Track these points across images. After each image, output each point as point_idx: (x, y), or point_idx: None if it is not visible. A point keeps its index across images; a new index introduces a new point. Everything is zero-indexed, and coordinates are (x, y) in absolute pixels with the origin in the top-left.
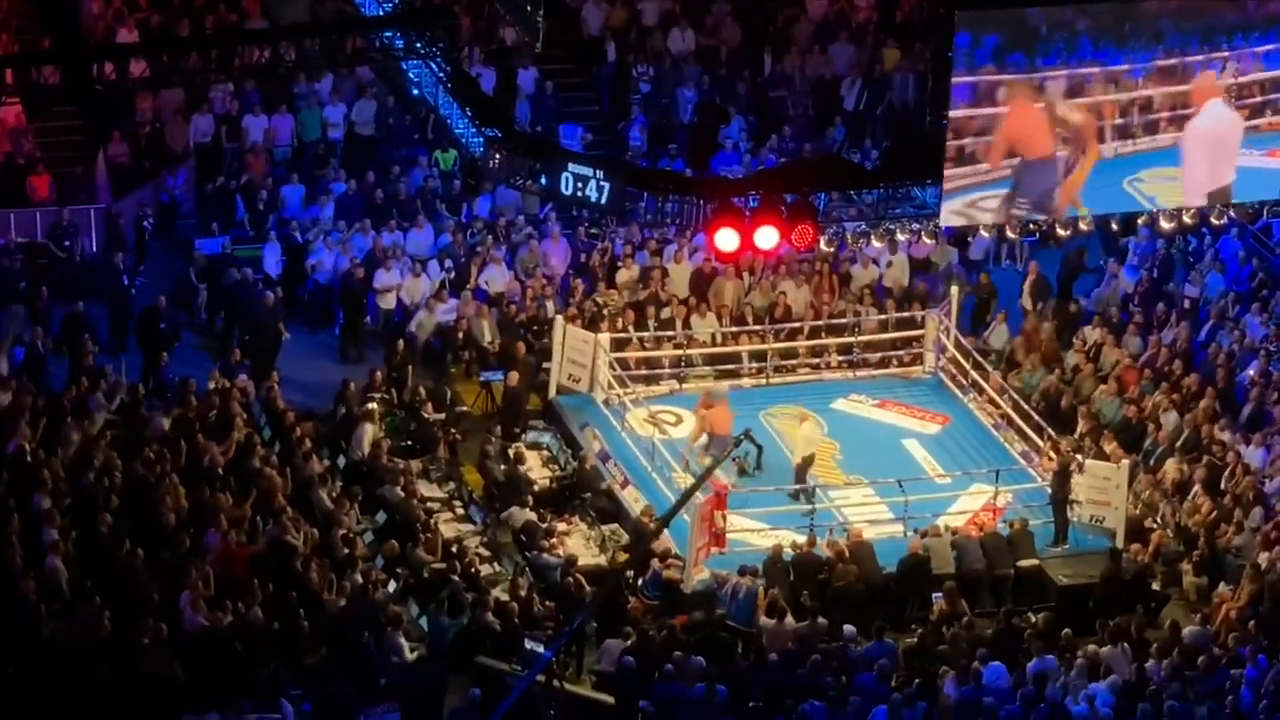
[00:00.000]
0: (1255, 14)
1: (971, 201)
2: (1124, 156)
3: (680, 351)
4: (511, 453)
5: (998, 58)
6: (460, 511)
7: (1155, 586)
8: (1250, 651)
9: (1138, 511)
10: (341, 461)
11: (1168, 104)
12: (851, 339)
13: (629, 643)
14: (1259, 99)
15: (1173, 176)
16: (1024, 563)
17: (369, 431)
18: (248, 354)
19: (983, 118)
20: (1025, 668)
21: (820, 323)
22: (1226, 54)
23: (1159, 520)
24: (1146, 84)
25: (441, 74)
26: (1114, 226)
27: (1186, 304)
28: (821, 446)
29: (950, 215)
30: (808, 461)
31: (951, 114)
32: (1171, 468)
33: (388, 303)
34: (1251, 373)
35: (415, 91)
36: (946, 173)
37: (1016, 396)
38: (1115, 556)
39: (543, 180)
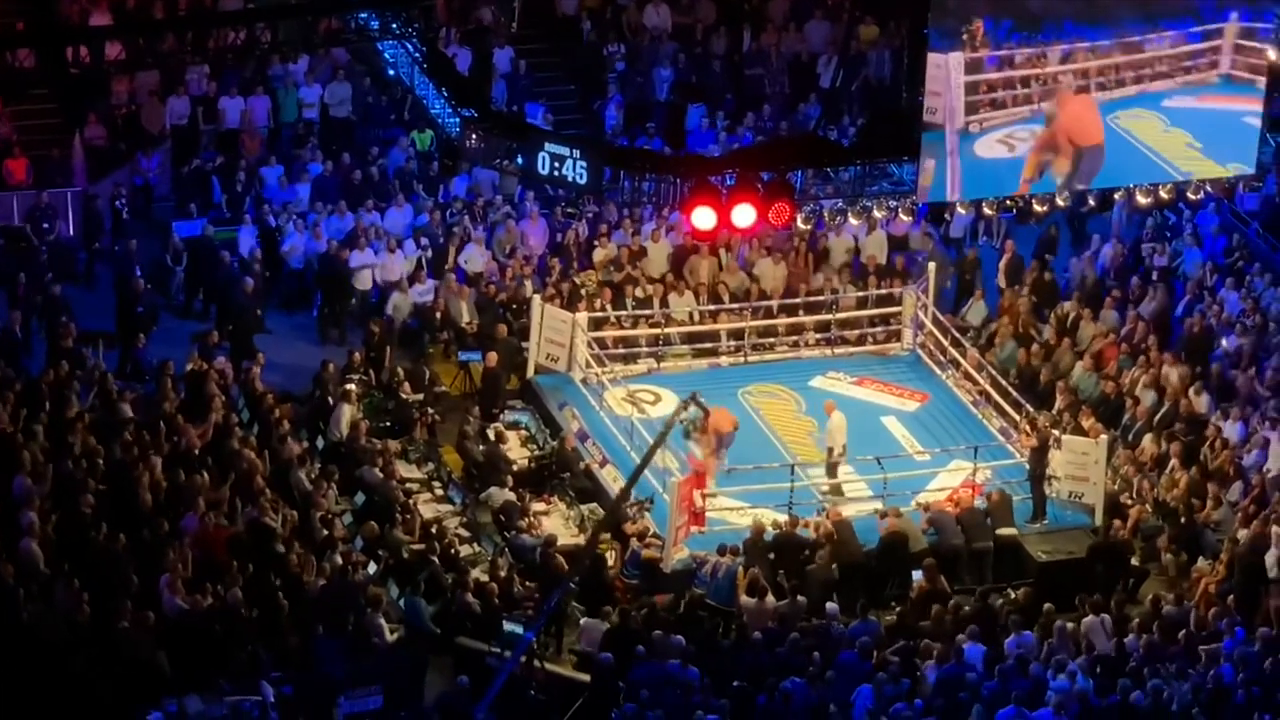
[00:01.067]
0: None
1: (1007, 135)
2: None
3: (658, 330)
4: (490, 433)
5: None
6: (439, 492)
7: (1135, 561)
8: (1227, 625)
9: (1116, 487)
10: (320, 443)
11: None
12: (829, 316)
13: (610, 623)
14: None
15: (1139, 115)
16: (1003, 531)
17: (346, 412)
18: (229, 337)
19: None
20: (1004, 644)
21: (798, 300)
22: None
23: (1136, 495)
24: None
25: (417, 54)
26: (1091, 203)
27: (1156, 275)
28: (833, 431)
29: (993, 145)
30: (839, 453)
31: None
32: (1149, 443)
33: (363, 283)
34: (1227, 345)
35: (391, 72)
36: (985, 115)
37: (994, 373)
38: (1108, 529)
39: (519, 160)
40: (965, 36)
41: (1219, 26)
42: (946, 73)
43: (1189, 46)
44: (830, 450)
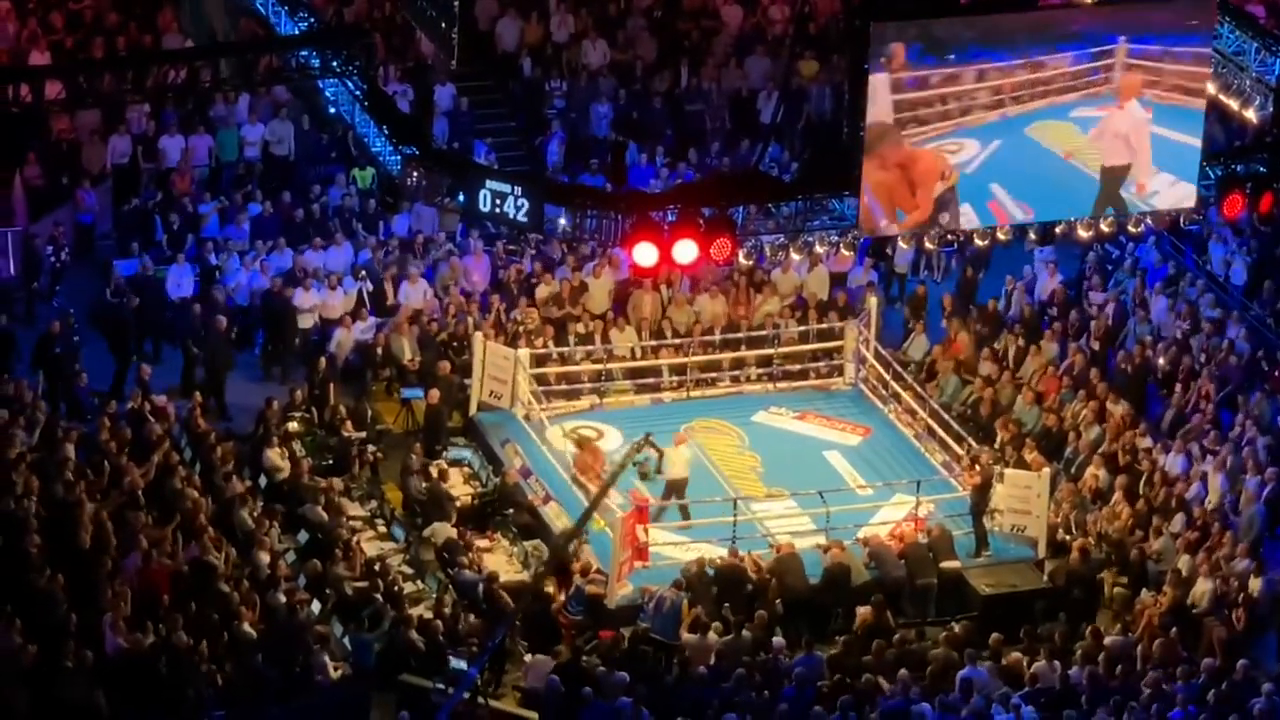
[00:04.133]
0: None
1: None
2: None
3: (600, 366)
4: (433, 470)
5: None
6: (382, 529)
7: (1077, 594)
8: (1182, 673)
9: (1059, 520)
10: (263, 481)
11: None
12: (771, 351)
13: (557, 660)
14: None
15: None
16: (946, 565)
17: (273, 455)
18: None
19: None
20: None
21: (740, 335)
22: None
23: (1076, 529)
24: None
25: (358, 92)
26: (1032, 236)
27: (1095, 310)
28: (675, 463)
29: None
30: (680, 484)
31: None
32: (1090, 475)
33: (306, 322)
34: (1161, 362)
35: (332, 110)
36: (911, 131)
37: (936, 406)
38: (1085, 556)
39: (461, 198)
40: (884, 60)
41: (1109, 48)
42: (874, 92)
43: (1086, 65)
44: (674, 480)
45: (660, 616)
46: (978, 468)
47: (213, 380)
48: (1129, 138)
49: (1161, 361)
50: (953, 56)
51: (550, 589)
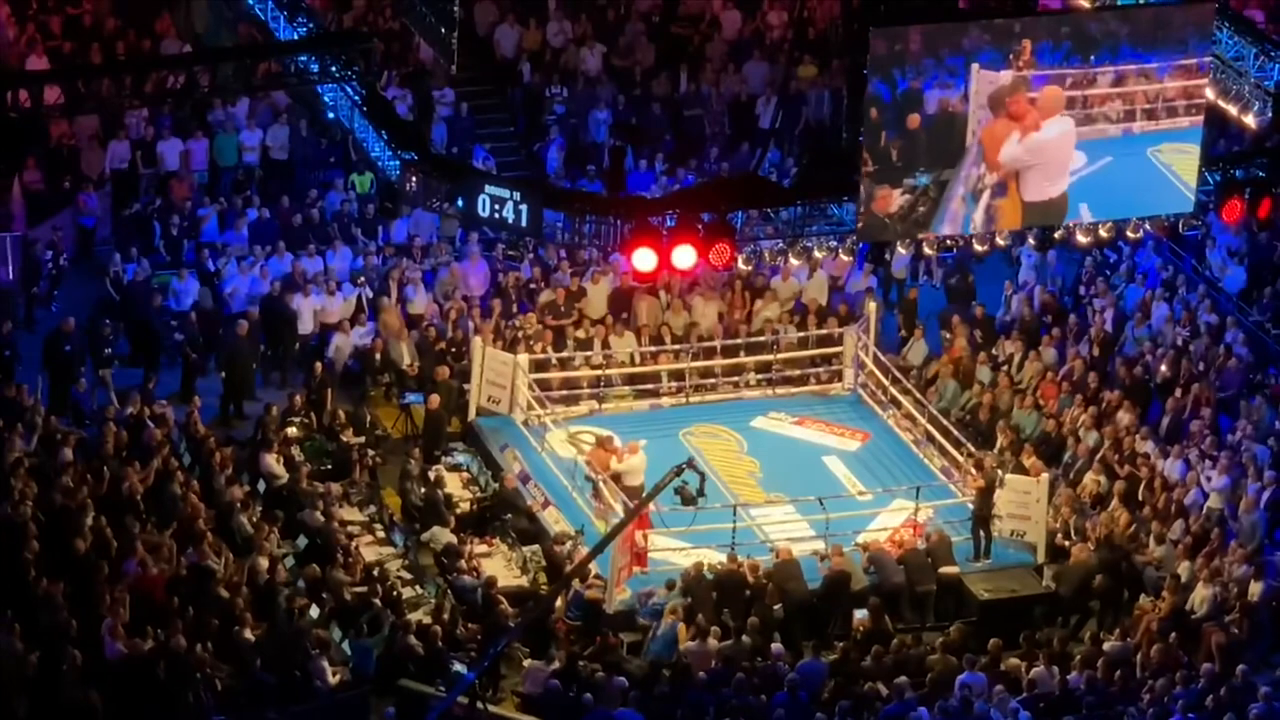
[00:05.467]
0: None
1: None
2: None
3: (599, 372)
4: (432, 475)
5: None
6: (381, 534)
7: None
8: (1181, 678)
9: (1058, 525)
10: (261, 486)
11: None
12: (770, 357)
13: (555, 666)
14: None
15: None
16: (945, 570)
17: (271, 461)
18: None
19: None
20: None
21: (739, 341)
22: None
23: (1075, 534)
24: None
25: (357, 97)
26: (1031, 241)
27: (1097, 317)
28: (633, 469)
29: None
30: (636, 491)
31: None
32: (1090, 481)
33: (304, 327)
34: (1163, 368)
35: (331, 115)
36: None
37: (935, 412)
38: (1112, 555)
39: (459, 203)
40: (1011, 56)
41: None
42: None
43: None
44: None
45: (656, 640)
46: (980, 471)
47: (236, 386)
48: None
49: (1163, 368)
50: (1094, 59)
51: (544, 590)
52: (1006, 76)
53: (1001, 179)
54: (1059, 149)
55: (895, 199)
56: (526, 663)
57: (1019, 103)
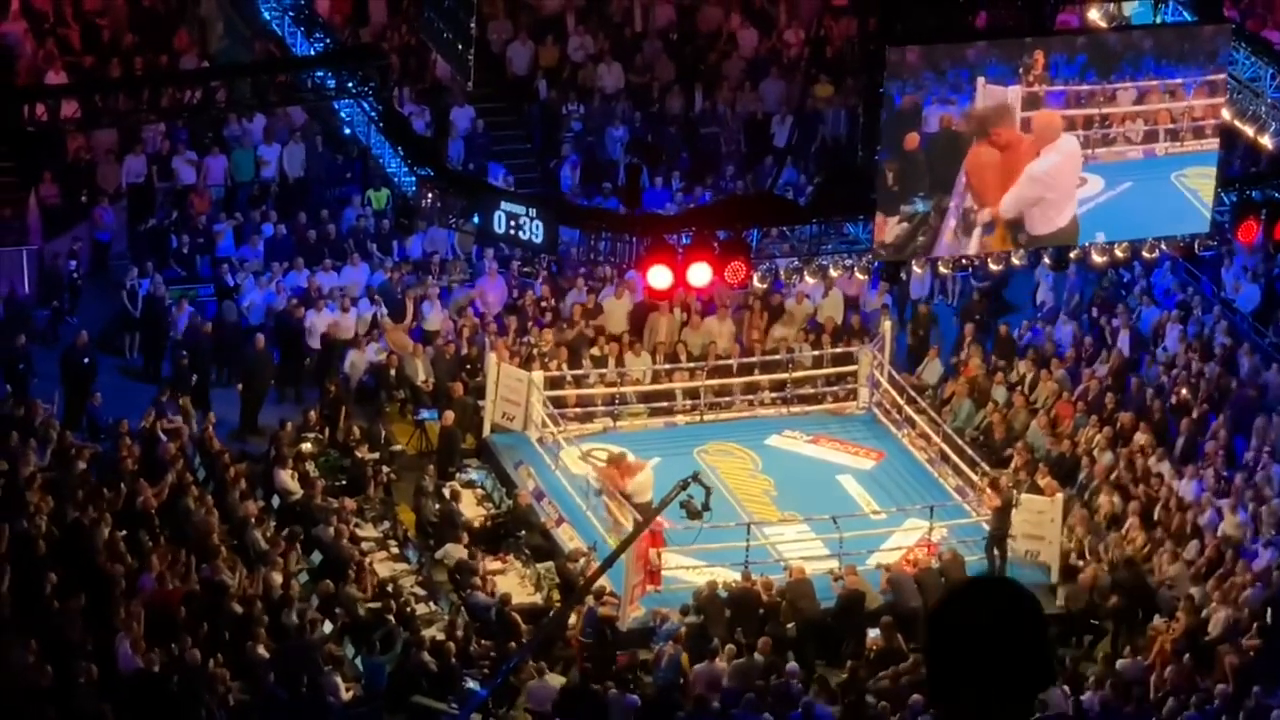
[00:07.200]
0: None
1: None
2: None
3: (614, 389)
4: (446, 491)
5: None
6: (395, 551)
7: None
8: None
9: (1073, 545)
10: (276, 502)
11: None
12: (785, 375)
13: (566, 683)
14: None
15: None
16: None
17: (285, 476)
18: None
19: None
20: None
21: (754, 360)
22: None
23: (1090, 554)
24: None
25: (373, 113)
26: (1046, 261)
27: (1113, 338)
28: (641, 486)
29: None
30: (645, 507)
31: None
32: (1105, 501)
33: (315, 342)
34: (1180, 390)
35: (347, 131)
36: None
37: (950, 431)
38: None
39: (475, 219)
40: (1020, 70)
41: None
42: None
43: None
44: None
45: (660, 672)
46: (997, 491)
47: (251, 399)
48: None
49: (1179, 389)
50: (1113, 75)
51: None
52: (1016, 92)
53: (991, 219)
54: (1062, 175)
55: (891, 227)
56: (530, 683)
57: (1006, 131)
